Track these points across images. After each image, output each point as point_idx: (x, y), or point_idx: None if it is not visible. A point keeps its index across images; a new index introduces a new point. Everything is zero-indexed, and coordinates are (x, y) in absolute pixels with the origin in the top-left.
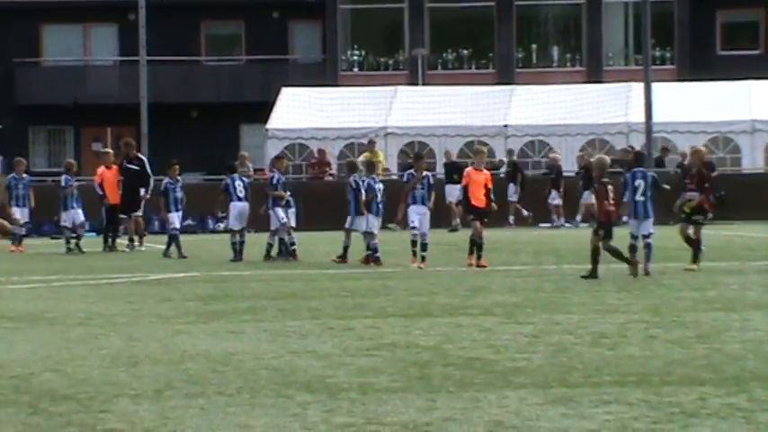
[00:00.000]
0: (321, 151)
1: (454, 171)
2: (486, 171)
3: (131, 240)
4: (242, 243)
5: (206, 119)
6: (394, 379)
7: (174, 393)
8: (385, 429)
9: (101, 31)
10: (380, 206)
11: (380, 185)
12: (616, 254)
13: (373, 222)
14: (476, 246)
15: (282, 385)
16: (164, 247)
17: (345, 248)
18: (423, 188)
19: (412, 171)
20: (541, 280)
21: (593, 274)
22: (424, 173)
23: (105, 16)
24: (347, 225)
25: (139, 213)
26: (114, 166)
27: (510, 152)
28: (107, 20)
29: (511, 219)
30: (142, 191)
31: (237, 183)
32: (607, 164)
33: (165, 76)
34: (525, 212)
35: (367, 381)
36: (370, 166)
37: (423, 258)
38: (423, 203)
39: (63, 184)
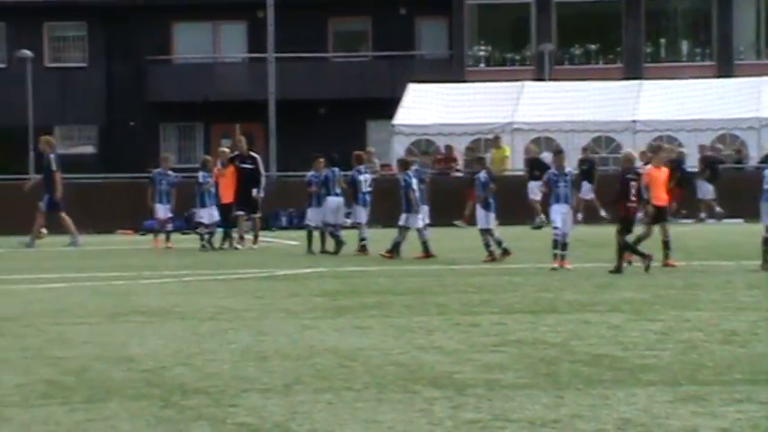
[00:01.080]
0: (448, 147)
1: (536, 167)
2: (665, 168)
3: (241, 238)
4: (337, 238)
5: (332, 115)
6: (521, 375)
7: (302, 388)
8: (512, 426)
9: (230, 29)
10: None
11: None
12: (627, 248)
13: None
14: (665, 245)
15: (409, 381)
16: (296, 242)
17: (397, 245)
18: (566, 186)
19: (481, 173)
20: (670, 276)
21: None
22: (552, 171)
23: (234, 14)
24: (401, 222)
25: (259, 215)
26: (230, 165)
27: (585, 149)
28: (236, 17)
29: (579, 216)
30: (254, 191)
31: (333, 177)
32: (633, 159)
33: (293, 73)
34: (603, 213)
35: (494, 377)
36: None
37: (563, 257)
38: (566, 202)
39: (200, 180)
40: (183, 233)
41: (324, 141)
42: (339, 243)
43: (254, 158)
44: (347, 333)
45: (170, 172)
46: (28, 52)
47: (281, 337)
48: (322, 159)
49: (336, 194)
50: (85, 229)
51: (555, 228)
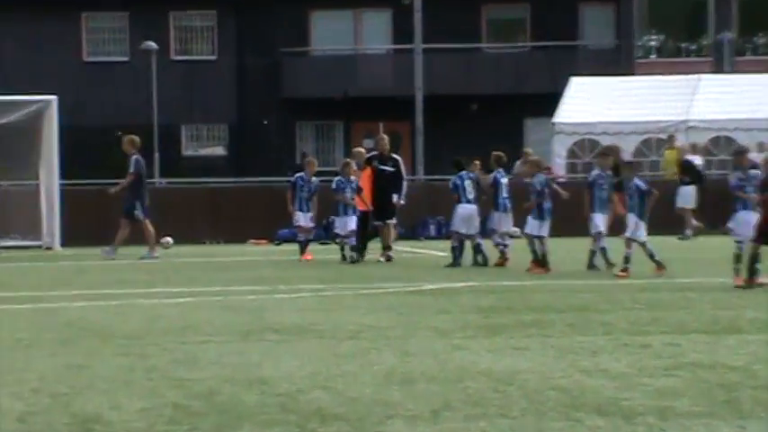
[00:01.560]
0: (610, 148)
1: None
2: None
3: (387, 249)
4: (478, 247)
5: (486, 112)
6: (696, 402)
7: (452, 415)
8: None
9: (373, 18)
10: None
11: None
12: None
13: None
14: None
15: (571, 407)
16: (444, 254)
17: (542, 256)
18: (753, 190)
19: (601, 172)
20: None
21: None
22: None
23: (377, 1)
24: (535, 231)
25: (393, 221)
26: (366, 167)
27: (693, 146)
28: (379, 5)
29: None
30: (395, 197)
31: (467, 182)
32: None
33: (442, 66)
34: (694, 222)
35: (666, 404)
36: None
37: (754, 274)
38: (753, 209)
39: (334, 186)
40: (322, 243)
41: (476, 142)
42: (480, 256)
43: (396, 160)
44: (502, 354)
45: (314, 178)
46: (152, 44)
47: (429, 359)
48: (477, 162)
49: (469, 201)
50: (215, 238)
51: (738, 239)
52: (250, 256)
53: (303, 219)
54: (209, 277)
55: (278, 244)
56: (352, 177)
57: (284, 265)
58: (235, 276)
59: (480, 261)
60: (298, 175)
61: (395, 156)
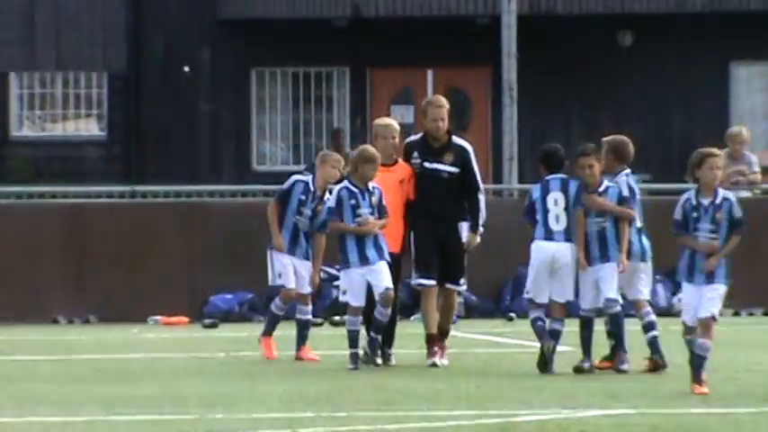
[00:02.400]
0: None
1: None
2: None
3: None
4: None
5: (645, 48)
6: None
7: None
8: None
9: None
10: None
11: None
12: None
13: None
14: None
15: None
16: None
17: None
18: None
19: None
20: None
21: None
22: None
23: None
24: None
25: (460, 286)
26: None
27: None
28: None
29: None
30: (463, 231)
31: (553, 196)
32: None
33: None
34: None
35: None
36: None
37: None
38: None
39: (333, 203)
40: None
41: (626, 109)
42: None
43: (464, 151)
44: None
45: (332, 187)
46: None
47: None
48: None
49: (550, 235)
50: (79, 311)
51: None
52: (155, 350)
53: (296, 269)
54: (68, 399)
55: (211, 325)
56: (372, 184)
57: (233, 375)
58: (123, 399)
59: (585, 367)
60: (298, 177)
61: (460, 142)
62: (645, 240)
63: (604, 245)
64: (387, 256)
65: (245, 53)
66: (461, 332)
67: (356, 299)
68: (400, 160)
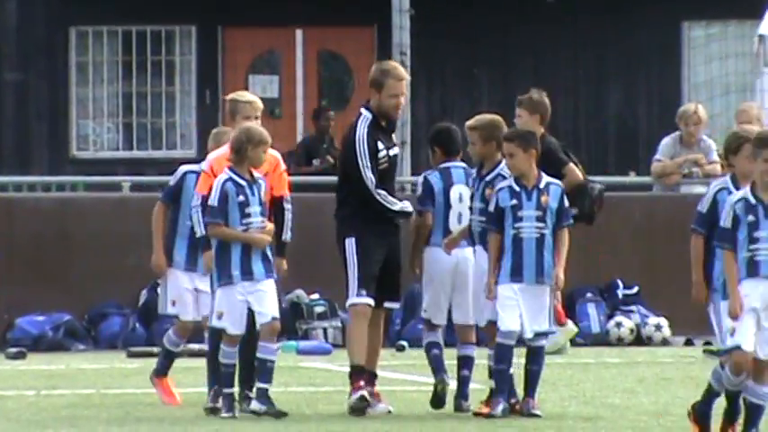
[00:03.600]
0: None
1: None
2: None
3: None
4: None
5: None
6: None
7: None
8: None
9: None
10: None
11: None
12: None
13: None
14: None
15: None
16: None
17: None
18: None
19: None
20: None
21: None
22: None
23: None
24: None
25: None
26: None
27: None
28: None
29: None
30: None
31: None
32: None
33: None
34: None
35: None
36: None
37: None
38: None
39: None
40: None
41: (553, 79)
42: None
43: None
44: None
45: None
46: None
47: None
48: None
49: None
50: None
51: None
52: None
53: (198, 291)
54: None
55: (17, 355)
56: (257, 173)
57: (46, 421)
58: None
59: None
60: (189, 168)
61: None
62: None
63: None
64: (275, 272)
65: (61, 8)
66: (338, 365)
67: (236, 325)
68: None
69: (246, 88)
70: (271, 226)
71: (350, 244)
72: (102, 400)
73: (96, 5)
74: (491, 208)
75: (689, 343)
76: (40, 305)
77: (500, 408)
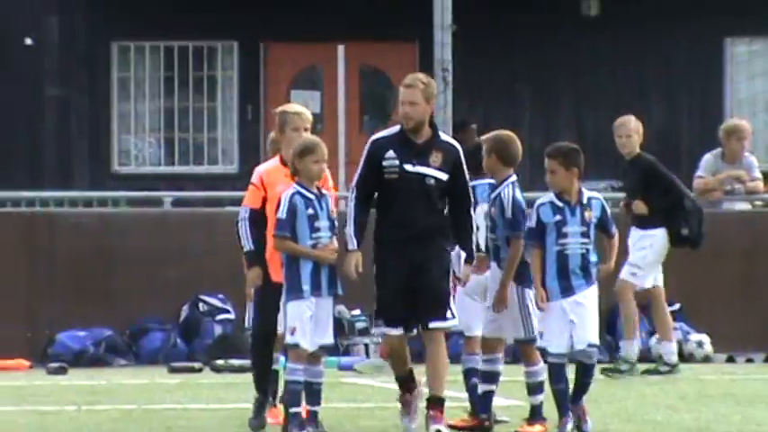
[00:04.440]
0: None
1: None
2: None
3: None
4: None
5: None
6: None
7: None
8: None
9: None
10: None
11: None
12: None
13: None
14: None
15: None
16: None
17: None
18: None
19: None
20: None
21: None
22: None
23: None
24: None
25: (446, 322)
26: None
27: None
28: None
29: None
30: (458, 263)
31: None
32: None
33: None
34: None
35: None
36: None
37: None
38: None
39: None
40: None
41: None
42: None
43: (453, 151)
44: None
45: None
46: None
47: None
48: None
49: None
50: None
51: None
52: None
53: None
54: None
55: (59, 370)
56: (324, 189)
57: None
58: None
59: None
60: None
61: (449, 140)
62: None
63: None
64: (338, 288)
65: (103, 23)
66: (380, 381)
67: (308, 340)
68: None
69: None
70: (335, 245)
71: (373, 270)
72: (144, 415)
73: (138, 21)
74: (532, 224)
75: (731, 360)
76: (82, 320)
77: (568, 427)
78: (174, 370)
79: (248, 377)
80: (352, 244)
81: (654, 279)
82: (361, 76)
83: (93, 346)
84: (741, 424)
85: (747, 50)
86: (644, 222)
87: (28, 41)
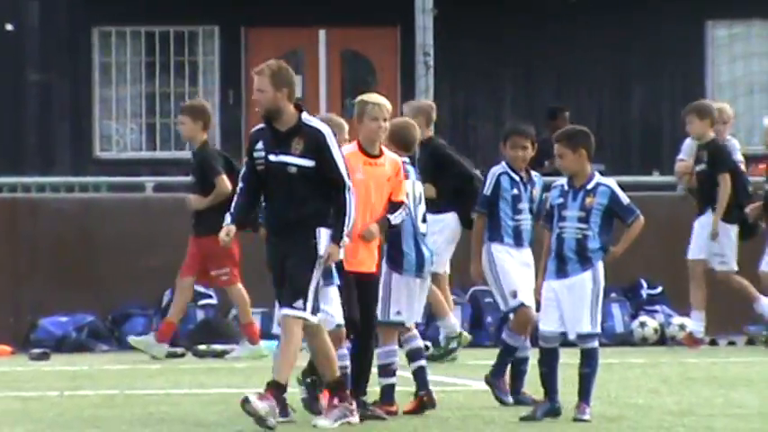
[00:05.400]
0: None
1: None
2: None
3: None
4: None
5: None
6: None
7: None
8: None
9: None
10: None
11: None
12: None
13: None
14: None
15: None
16: None
17: None
18: None
19: None
20: None
21: None
22: None
23: None
24: None
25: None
26: None
27: None
28: None
29: None
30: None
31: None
32: None
33: None
34: None
35: None
36: None
37: None
38: None
39: None
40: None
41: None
42: None
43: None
44: None
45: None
46: None
47: None
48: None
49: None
50: None
51: None
52: None
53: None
54: None
55: (41, 356)
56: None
57: (70, 423)
58: None
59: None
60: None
61: (315, 124)
62: (425, 250)
63: None
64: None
65: (84, 8)
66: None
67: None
68: (386, 150)
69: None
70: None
71: None
72: (126, 400)
73: (119, 6)
74: (548, 206)
75: (713, 343)
76: (64, 306)
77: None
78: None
79: (230, 362)
80: (227, 221)
81: (445, 264)
82: (342, 60)
83: (75, 331)
84: (723, 407)
85: (728, 33)
86: (434, 206)
87: (9, 27)
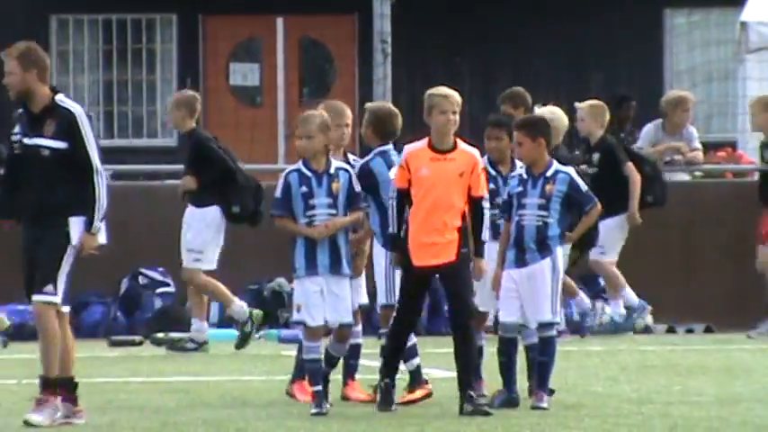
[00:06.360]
0: None
1: None
2: None
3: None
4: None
5: None
6: None
7: None
8: None
9: None
10: None
11: None
12: None
13: None
14: None
15: None
16: None
17: None
18: None
19: None
20: None
21: None
22: None
23: None
24: None
25: None
26: None
27: None
28: None
29: None
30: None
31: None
32: None
33: None
34: None
35: None
36: None
37: None
38: None
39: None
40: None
41: (544, 65)
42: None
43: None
44: None
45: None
46: None
47: None
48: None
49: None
50: None
51: None
52: None
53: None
54: None
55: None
56: (338, 164)
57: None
58: None
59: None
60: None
61: (68, 105)
62: None
63: None
64: (346, 268)
65: None
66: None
67: (313, 318)
68: (460, 144)
69: (227, 76)
70: (336, 222)
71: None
72: (84, 389)
73: None
74: (506, 196)
75: (671, 330)
76: (21, 294)
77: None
78: (114, 343)
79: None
80: None
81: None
82: (300, 47)
83: (33, 319)
84: (681, 395)
85: (686, 21)
86: (197, 200)
87: None
